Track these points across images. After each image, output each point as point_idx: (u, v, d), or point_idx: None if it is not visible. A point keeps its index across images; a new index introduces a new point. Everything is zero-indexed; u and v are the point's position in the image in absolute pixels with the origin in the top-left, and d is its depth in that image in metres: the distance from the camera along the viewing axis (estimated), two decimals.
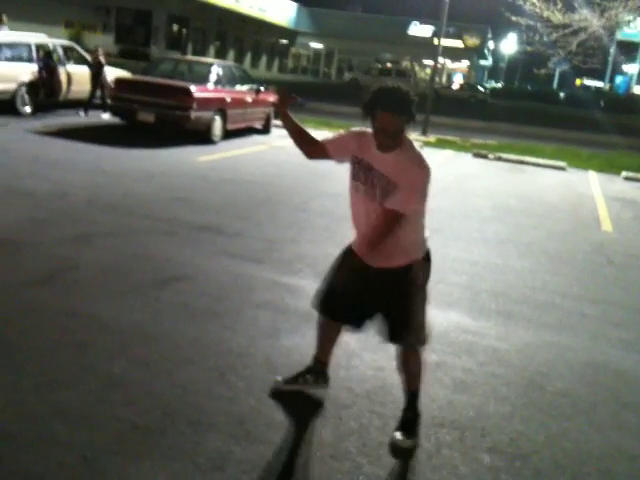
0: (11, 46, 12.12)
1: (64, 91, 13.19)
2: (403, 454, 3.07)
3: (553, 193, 11.11)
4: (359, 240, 3.08)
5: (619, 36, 33.93)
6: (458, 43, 50.87)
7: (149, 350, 3.76)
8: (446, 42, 29.31)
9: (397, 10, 53.17)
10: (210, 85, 12.01)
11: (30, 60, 12.39)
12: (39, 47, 12.72)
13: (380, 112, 2.75)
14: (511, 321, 4.87)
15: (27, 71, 12.24)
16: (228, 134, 12.47)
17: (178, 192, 7.75)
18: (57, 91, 13.02)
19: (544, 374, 4.05)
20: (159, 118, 11.24)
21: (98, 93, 13.28)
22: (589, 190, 11.70)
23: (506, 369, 4.06)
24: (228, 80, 12.79)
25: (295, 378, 3.49)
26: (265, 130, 14.51)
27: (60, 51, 13.33)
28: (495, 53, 72.71)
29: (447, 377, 3.85)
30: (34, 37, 12.95)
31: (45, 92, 12.72)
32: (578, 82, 75.41)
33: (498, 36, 64.23)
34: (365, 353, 3.97)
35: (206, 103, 11.54)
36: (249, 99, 13.19)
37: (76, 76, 13.25)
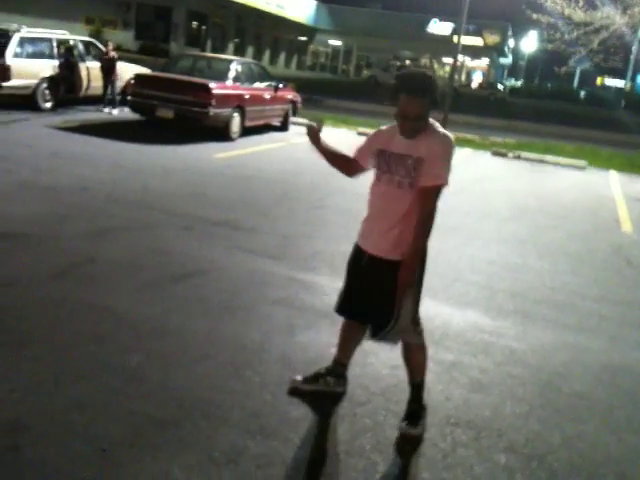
0: (32, 42, 12.24)
1: (84, 87, 13.30)
2: (411, 444, 3.08)
3: (573, 193, 11.01)
4: (373, 236, 3.08)
5: None
6: (478, 41, 50.52)
7: (165, 344, 3.78)
8: (466, 40, 29.09)
9: (416, 7, 52.89)
10: (229, 82, 12.03)
11: (51, 56, 12.50)
12: (60, 43, 12.83)
13: (402, 95, 2.84)
14: (529, 321, 4.83)
15: (48, 67, 12.34)
16: (246, 131, 12.49)
17: (195, 188, 7.78)
18: (77, 87, 13.13)
19: (561, 375, 4.02)
20: (178, 114, 11.29)
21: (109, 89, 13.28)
22: (609, 190, 11.58)
23: (523, 369, 4.03)
24: (247, 77, 12.81)
25: (315, 378, 3.41)
26: (283, 127, 14.50)
27: (80, 47, 13.46)
28: (515, 51, 72.06)
29: (463, 376, 3.83)
30: (55, 33, 13.06)
31: (65, 88, 12.83)
32: (599, 81, 74.56)
33: (518, 34, 63.68)
34: (381, 351, 3.95)
35: (225, 100, 11.57)
36: (267, 96, 13.21)
37: (95, 72, 13.33)
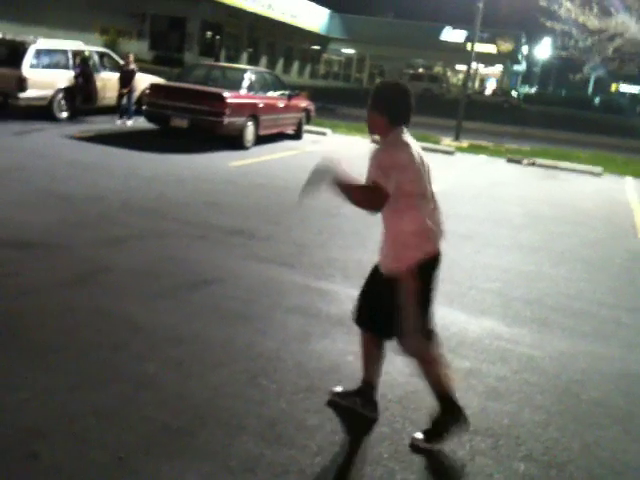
0: (48, 53, 12.38)
1: (100, 97, 13.42)
2: (419, 451, 3.06)
3: (588, 199, 10.93)
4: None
5: None
6: (491, 48, 50.38)
7: (180, 352, 3.79)
8: (479, 47, 29.01)
9: (429, 15, 52.89)
10: (243, 91, 12.10)
11: (67, 67, 12.65)
12: (76, 54, 12.97)
13: None
14: (546, 329, 4.79)
15: (64, 78, 12.49)
16: (260, 139, 12.54)
17: (210, 196, 7.81)
18: (93, 97, 13.24)
19: (579, 382, 3.98)
20: (192, 124, 11.37)
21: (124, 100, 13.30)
22: (625, 197, 11.48)
23: (540, 377, 4.00)
24: (260, 86, 12.88)
25: (346, 394, 3.39)
26: (297, 135, 14.56)
27: (96, 58, 13.60)
28: (529, 58, 71.83)
29: (481, 384, 3.80)
30: (71, 44, 13.21)
31: (81, 98, 12.96)
32: (614, 88, 74.17)
33: (532, 41, 63.46)
34: (397, 359, 3.93)
35: (239, 109, 11.63)
36: (281, 105, 13.26)
37: (111, 83, 13.46)
